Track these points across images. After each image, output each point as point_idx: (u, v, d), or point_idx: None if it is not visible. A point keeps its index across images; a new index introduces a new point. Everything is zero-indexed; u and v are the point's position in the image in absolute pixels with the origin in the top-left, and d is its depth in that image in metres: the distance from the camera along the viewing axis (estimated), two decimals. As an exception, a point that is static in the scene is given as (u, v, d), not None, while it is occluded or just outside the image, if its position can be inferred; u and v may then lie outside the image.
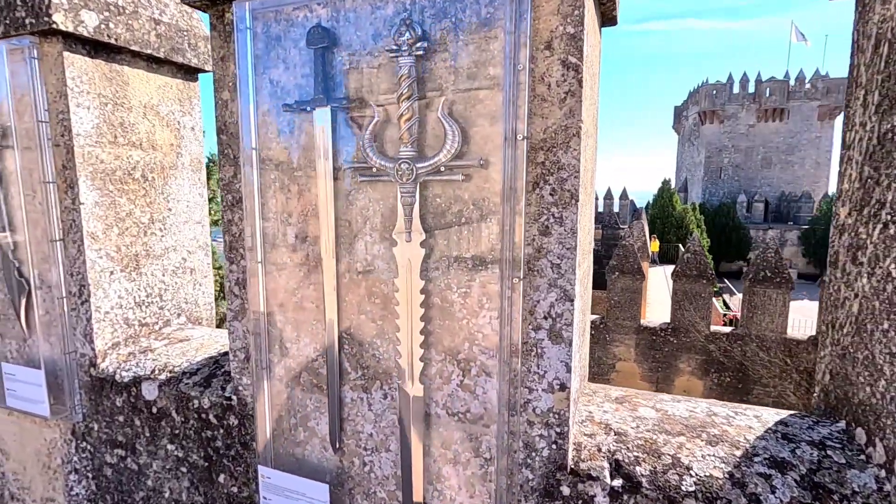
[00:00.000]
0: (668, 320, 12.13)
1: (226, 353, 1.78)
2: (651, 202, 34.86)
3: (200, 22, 2.06)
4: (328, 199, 1.28)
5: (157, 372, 1.72)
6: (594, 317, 10.62)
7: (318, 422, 1.42)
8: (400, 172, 1.17)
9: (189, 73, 2.07)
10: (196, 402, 1.61)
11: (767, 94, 44.82)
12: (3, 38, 1.64)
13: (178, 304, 2.09)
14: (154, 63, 1.92)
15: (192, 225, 2.13)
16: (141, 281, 1.92)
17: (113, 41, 1.71)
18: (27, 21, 1.58)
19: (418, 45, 1.12)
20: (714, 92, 46.38)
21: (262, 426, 1.47)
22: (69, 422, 1.86)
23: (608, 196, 35.52)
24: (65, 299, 1.77)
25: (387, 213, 1.24)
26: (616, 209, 34.00)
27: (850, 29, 1.22)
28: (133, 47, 1.78)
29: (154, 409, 1.70)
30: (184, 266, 2.10)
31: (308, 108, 1.26)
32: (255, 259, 1.40)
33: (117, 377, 1.75)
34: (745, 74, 45.18)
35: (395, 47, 1.14)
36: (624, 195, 35.09)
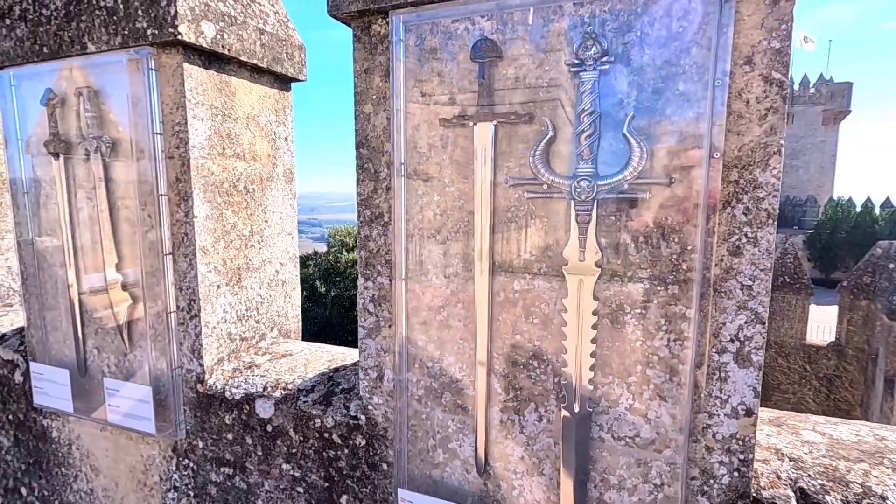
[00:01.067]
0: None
1: (337, 369, 1.75)
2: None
3: (295, 31, 2.03)
4: (485, 215, 1.25)
5: (269, 389, 1.68)
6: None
7: (461, 443, 1.38)
8: (578, 190, 1.13)
9: (284, 83, 2.04)
10: (318, 421, 1.57)
11: (772, 99, 44.78)
12: (122, 48, 1.60)
13: (271, 317, 2.05)
14: (256, 73, 1.89)
15: (283, 236, 2.09)
16: (242, 294, 1.89)
17: (226, 52, 1.68)
18: (149, 32, 1.55)
19: (604, 59, 1.09)
20: (718, 96, 46.30)
21: (398, 447, 1.43)
22: (171, 438, 1.82)
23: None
24: (173, 314, 1.73)
25: (552, 230, 1.20)
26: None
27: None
28: (242, 57, 1.75)
29: (269, 428, 1.65)
30: (277, 278, 2.07)
31: (470, 123, 1.23)
32: (398, 276, 1.36)
33: (227, 394, 1.71)
34: (749, 79, 45.14)
35: (577, 62, 1.11)
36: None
